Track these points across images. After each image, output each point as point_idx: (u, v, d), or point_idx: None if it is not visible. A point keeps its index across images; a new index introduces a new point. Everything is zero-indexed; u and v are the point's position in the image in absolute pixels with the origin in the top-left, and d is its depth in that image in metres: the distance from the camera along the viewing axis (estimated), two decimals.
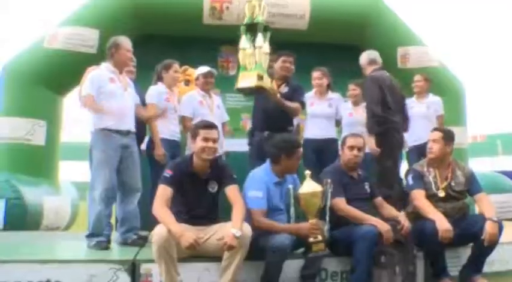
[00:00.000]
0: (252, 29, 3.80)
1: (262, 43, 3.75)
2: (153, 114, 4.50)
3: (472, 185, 3.84)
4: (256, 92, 3.99)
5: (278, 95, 4.27)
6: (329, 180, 3.49)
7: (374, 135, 4.21)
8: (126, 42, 4.10)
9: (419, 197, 3.72)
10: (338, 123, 5.34)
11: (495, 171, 8.55)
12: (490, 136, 22.32)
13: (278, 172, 3.50)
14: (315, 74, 5.19)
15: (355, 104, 5.32)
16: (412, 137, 5.35)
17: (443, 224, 3.45)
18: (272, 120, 4.38)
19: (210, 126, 3.37)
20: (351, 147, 3.74)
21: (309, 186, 3.37)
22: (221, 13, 6.02)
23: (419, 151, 5.01)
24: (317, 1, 6.35)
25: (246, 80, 3.73)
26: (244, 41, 3.82)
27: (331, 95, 5.27)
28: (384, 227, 3.36)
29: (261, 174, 3.50)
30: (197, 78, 4.89)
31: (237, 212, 3.17)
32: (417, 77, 5.71)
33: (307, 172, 3.43)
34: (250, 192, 3.38)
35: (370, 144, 4.19)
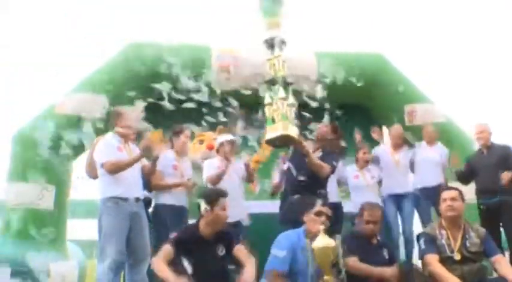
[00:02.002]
0: (274, 84, 3.97)
1: (284, 95, 3.88)
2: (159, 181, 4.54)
3: (487, 246, 3.69)
4: (284, 142, 4.05)
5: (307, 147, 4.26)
6: (340, 237, 3.48)
7: None
8: (126, 110, 4.23)
9: (433, 262, 3.58)
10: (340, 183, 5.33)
11: None
12: None
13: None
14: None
15: (362, 167, 5.32)
16: (418, 179, 5.48)
17: None
18: (302, 183, 4.30)
19: (226, 194, 3.46)
20: (367, 222, 3.78)
21: (323, 241, 3.23)
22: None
23: (427, 194, 5.16)
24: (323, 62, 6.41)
25: (272, 131, 3.87)
26: (268, 97, 3.97)
27: None
28: (386, 272, 3.52)
29: (291, 234, 3.42)
30: (222, 144, 4.81)
31: (250, 265, 3.21)
32: (428, 128, 5.83)
33: (321, 227, 3.28)
34: (273, 250, 3.31)
35: None
